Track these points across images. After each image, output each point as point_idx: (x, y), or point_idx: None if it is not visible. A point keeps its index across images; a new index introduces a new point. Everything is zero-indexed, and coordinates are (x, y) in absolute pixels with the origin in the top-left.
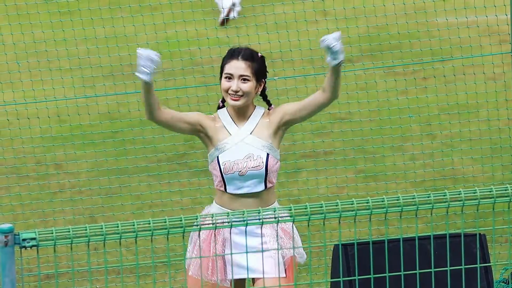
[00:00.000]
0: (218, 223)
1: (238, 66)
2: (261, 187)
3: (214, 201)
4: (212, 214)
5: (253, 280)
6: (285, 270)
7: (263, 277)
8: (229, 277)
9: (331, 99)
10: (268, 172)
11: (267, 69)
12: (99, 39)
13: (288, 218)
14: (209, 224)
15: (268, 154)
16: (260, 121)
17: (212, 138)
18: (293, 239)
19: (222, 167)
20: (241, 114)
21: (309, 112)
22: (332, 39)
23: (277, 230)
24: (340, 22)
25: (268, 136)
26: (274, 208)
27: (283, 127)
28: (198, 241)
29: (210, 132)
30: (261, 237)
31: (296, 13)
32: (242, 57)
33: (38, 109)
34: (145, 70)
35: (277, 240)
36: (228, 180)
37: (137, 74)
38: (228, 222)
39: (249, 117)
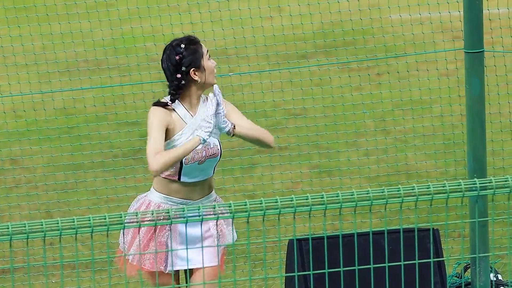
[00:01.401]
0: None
1: (204, 46)
2: (210, 174)
3: (153, 189)
4: (169, 210)
5: (190, 270)
6: (220, 257)
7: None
8: (175, 268)
9: None
10: (220, 158)
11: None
12: (54, 35)
13: (243, 213)
14: (163, 219)
15: (219, 141)
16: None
17: (169, 130)
18: (231, 229)
19: (183, 158)
20: (198, 101)
21: None
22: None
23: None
24: (295, 19)
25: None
26: (230, 203)
27: None
28: (139, 230)
29: (171, 125)
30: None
31: (251, 10)
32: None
33: None
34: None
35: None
36: (186, 169)
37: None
38: (184, 218)
39: (199, 104)
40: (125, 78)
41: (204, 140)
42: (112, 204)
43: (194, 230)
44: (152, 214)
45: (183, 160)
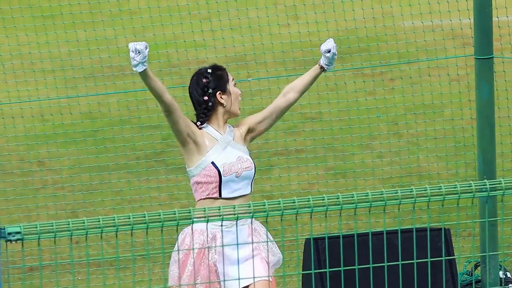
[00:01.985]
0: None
1: (230, 74)
2: (249, 189)
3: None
4: (205, 207)
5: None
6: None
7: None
8: None
9: (297, 100)
10: (255, 173)
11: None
12: (80, 41)
13: (262, 213)
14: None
15: (251, 156)
16: (234, 129)
17: (200, 145)
18: (268, 244)
19: (221, 169)
20: (225, 123)
21: (273, 120)
22: (335, 48)
23: (267, 236)
24: (311, 26)
25: (243, 143)
26: (249, 204)
27: (250, 137)
28: (191, 260)
29: (198, 138)
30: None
31: (269, 17)
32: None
33: (22, 108)
34: (135, 61)
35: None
36: (225, 183)
37: (134, 69)
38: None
39: (226, 127)
40: None
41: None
42: (136, 204)
43: (241, 252)
44: (190, 211)
45: (222, 171)
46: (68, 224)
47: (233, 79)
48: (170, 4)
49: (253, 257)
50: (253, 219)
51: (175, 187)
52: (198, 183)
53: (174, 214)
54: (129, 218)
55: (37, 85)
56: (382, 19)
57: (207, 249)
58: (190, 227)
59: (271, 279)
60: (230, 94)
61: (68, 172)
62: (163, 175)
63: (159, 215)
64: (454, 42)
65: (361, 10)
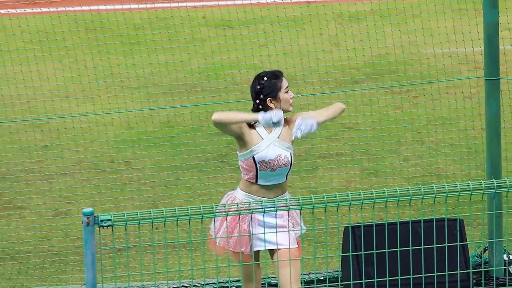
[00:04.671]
0: (253, 208)
1: (285, 81)
2: (283, 179)
3: (239, 188)
4: (249, 202)
5: (271, 251)
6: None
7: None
8: (255, 249)
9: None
10: (291, 167)
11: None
12: (160, 63)
13: (309, 205)
14: (246, 209)
15: (291, 154)
16: (283, 127)
17: (247, 142)
18: (300, 220)
19: (258, 165)
20: None
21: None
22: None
23: (300, 215)
24: (350, 52)
25: (289, 139)
26: (298, 197)
27: None
28: (226, 220)
29: (246, 137)
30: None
31: (315, 45)
32: (283, 75)
33: (112, 118)
34: (270, 118)
35: (293, 220)
36: (261, 175)
37: (261, 117)
38: (262, 208)
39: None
40: (215, 98)
41: (257, 121)
42: (205, 198)
43: (271, 220)
44: (237, 205)
45: (258, 166)
46: (150, 214)
47: (287, 86)
48: (234, 33)
49: (288, 227)
50: (289, 195)
51: (237, 184)
52: (242, 167)
53: (237, 205)
54: (200, 209)
55: (125, 99)
56: (408, 46)
57: (241, 215)
58: (233, 193)
59: (297, 247)
60: (280, 100)
61: (149, 170)
62: (228, 174)
63: (224, 207)
64: (467, 66)
65: (391, 39)
